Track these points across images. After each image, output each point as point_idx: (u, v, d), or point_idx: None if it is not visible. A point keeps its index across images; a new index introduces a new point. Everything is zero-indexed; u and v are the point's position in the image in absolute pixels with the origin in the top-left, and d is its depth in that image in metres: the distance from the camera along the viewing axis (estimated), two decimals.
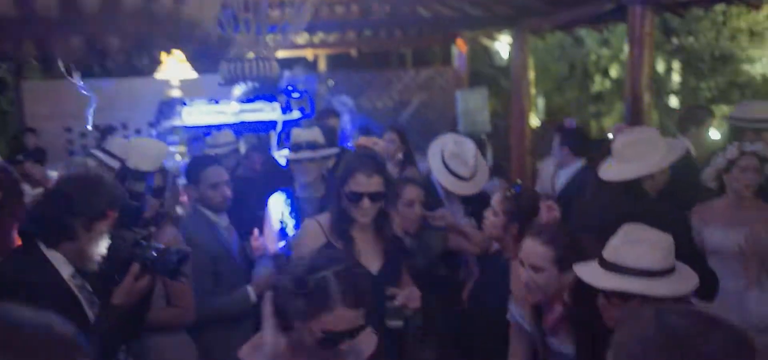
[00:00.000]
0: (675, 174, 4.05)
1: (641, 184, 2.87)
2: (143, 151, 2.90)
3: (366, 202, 2.48)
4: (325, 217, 2.65)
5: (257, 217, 3.46)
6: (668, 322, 1.04)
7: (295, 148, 3.44)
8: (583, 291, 1.92)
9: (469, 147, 3.35)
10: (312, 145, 3.42)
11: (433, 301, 2.71)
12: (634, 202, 2.81)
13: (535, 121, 11.66)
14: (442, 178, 3.32)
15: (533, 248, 2.13)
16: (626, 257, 1.81)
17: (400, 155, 4.66)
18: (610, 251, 1.87)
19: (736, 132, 3.90)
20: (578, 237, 2.18)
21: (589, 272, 1.88)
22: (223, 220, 3.21)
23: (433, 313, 2.81)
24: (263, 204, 3.50)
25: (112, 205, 2.04)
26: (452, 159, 3.30)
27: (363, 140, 4.31)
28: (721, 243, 3.08)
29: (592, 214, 3.01)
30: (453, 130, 6.76)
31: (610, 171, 2.98)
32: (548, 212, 2.25)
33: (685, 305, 1.40)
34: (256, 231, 3.25)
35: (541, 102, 12.36)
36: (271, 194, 3.49)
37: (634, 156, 2.91)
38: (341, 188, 2.54)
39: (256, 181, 4.46)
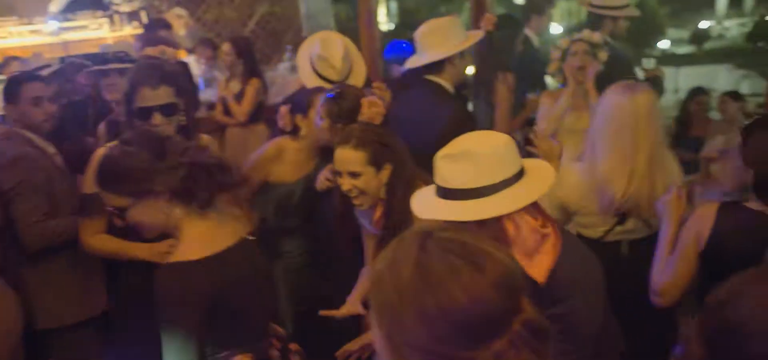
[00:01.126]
0: (520, 64, 4.15)
1: (442, 79, 2.95)
2: None
3: (157, 117, 2.28)
4: None
5: (87, 146, 3.11)
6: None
7: (101, 60, 3.12)
8: None
9: (337, 47, 3.14)
10: (120, 58, 3.12)
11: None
12: (433, 96, 2.90)
13: (387, 24, 11.65)
14: (311, 83, 3.11)
15: (345, 155, 2.11)
16: (446, 177, 1.59)
17: (240, 67, 4.59)
18: (436, 173, 1.64)
19: (595, 20, 4.03)
20: (386, 131, 2.17)
21: (420, 201, 1.71)
22: (49, 148, 2.85)
23: None
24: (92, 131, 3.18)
25: None
26: (319, 62, 3.10)
27: (149, 50, 3.97)
28: (573, 126, 3.22)
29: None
30: (297, 37, 6.50)
31: (411, 60, 3.05)
32: (370, 108, 2.18)
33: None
34: None
35: (394, 6, 12.34)
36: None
37: (431, 44, 2.96)
38: (129, 107, 2.31)
39: (81, 105, 3.99)
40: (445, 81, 2.98)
